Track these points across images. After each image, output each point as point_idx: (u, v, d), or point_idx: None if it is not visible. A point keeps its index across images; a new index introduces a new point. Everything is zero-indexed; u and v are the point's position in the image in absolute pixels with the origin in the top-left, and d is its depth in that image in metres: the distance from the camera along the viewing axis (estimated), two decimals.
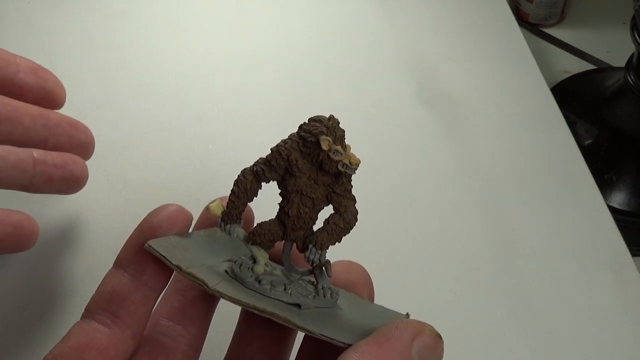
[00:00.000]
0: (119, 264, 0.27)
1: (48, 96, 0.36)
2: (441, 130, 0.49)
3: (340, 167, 0.25)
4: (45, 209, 0.42)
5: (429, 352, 0.23)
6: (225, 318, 0.30)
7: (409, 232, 0.44)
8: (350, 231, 0.26)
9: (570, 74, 0.67)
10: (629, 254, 0.44)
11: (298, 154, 0.25)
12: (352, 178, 0.26)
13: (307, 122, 0.26)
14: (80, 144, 0.37)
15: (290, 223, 0.26)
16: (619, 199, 0.59)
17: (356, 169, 0.25)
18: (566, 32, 0.72)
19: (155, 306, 0.27)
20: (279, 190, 0.27)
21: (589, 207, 0.46)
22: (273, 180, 0.26)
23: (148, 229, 0.27)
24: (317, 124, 0.25)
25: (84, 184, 0.37)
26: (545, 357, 0.39)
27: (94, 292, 0.26)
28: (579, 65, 0.69)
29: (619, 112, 0.60)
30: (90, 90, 0.49)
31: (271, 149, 0.26)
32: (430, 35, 0.56)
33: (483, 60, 0.54)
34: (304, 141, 0.25)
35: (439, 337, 0.24)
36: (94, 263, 0.40)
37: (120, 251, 0.27)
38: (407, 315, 0.27)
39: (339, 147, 0.25)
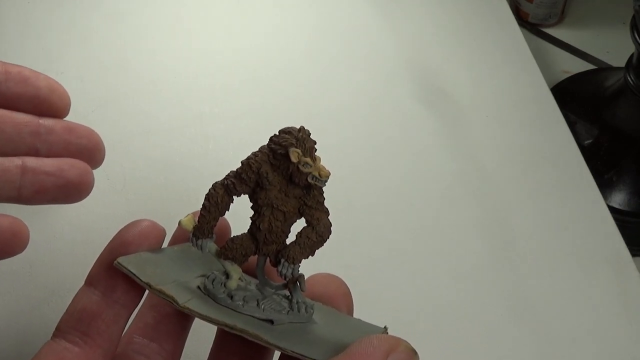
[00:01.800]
0: (89, 281, 0.26)
1: (42, 105, 0.33)
2: (441, 130, 0.49)
3: (310, 180, 0.25)
4: (43, 210, 0.42)
5: None
6: (202, 334, 0.29)
7: (408, 232, 0.44)
8: (324, 244, 0.26)
9: (570, 74, 0.67)
10: (629, 254, 0.44)
11: (268, 167, 0.25)
12: (323, 190, 0.26)
13: (277, 133, 0.25)
14: (81, 149, 0.34)
15: (262, 237, 0.26)
16: (619, 199, 0.59)
17: (326, 181, 0.25)
18: (566, 32, 0.72)
19: (129, 323, 0.27)
20: (251, 204, 0.26)
21: (589, 207, 0.46)
22: (244, 194, 0.26)
23: (119, 246, 0.26)
24: (286, 136, 0.25)
25: (88, 191, 0.34)
26: (545, 357, 0.39)
27: (65, 311, 0.26)
28: (579, 65, 0.68)
29: (619, 112, 0.60)
30: (90, 91, 0.49)
31: (241, 162, 0.26)
32: (430, 35, 0.56)
33: (483, 60, 0.54)
34: (274, 153, 0.25)
35: (414, 353, 0.23)
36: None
37: (92, 268, 0.27)
38: (385, 329, 0.26)
39: (308, 159, 0.25)
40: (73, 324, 0.25)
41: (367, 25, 0.56)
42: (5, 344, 0.38)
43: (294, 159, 0.25)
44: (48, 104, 0.33)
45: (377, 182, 0.46)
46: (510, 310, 0.41)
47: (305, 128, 0.25)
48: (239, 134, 0.48)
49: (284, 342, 0.24)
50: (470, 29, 0.56)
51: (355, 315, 0.29)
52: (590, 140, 0.61)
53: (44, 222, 0.42)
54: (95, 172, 0.42)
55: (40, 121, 0.33)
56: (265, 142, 0.26)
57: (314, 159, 0.25)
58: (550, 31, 0.72)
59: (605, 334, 0.40)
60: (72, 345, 0.25)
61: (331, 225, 0.26)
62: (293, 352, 0.24)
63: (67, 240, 0.42)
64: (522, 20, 0.71)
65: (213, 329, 0.28)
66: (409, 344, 0.23)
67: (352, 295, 0.29)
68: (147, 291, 0.27)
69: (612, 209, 0.51)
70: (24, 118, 0.33)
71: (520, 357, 0.39)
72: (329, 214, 0.26)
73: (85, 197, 0.34)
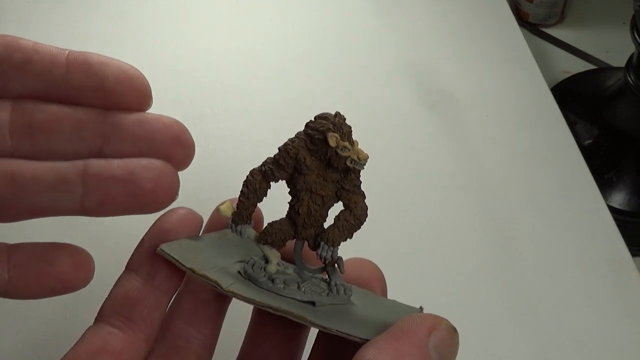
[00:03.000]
0: (130, 267, 0.27)
1: (109, 97, 0.27)
2: (441, 130, 0.49)
3: (348, 163, 0.25)
4: None
5: (445, 346, 0.23)
6: (237, 318, 0.30)
7: (408, 233, 0.44)
8: (361, 227, 0.26)
9: (570, 74, 0.67)
10: (628, 254, 0.44)
11: (306, 152, 0.26)
12: (360, 174, 0.26)
13: (313, 119, 0.26)
14: (156, 145, 0.27)
15: (301, 221, 0.26)
16: (619, 199, 0.59)
17: (365, 164, 0.26)
18: (566, 32, 0.72)
19: (167, 309, 0.27)
20: (289, 189, 0.27)
21: (589, 207, 0.46)
22: (282, 180, 0.26)
23: (159, 233, 0.27)
24: (323, 122, 0.25)
25: (169, 198, 0.27)
26: (545, 357, 0.39)
27: (107, 295, 0.26)
28: (579, 65, 0.69)
29: (619, 112, 0.60)
30: None
31: (279, 148, 0.26)
32: (430, 36, 0.56)
33: (483, 60, 0.54)
34: (311, 139, 0.25)
35: (455, 330, 0.24)
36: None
37: (132, 255, 0.27)
38: (421, 308, 0.27)
39: (346, 143, 0.25)
40: (116, 309, 0.26)
41: (368, 25, 0.56)
42: (5, 341, 0.38)
43: (332, 143, 0.25)
44: (117, 96, 0.28)
45: (376, 182, 0.46)
46: (510, 310, 0.41)
47: (341, 114, 0.26)
48: (239, 134, 0.48)
49: (328, 322, 0.24)
50: (470, 29, 0.56)
51: None
52: (590, 140, 0.61)
53: (45, 221, 0.42)
54: None
55: (107, 116, 0.28)
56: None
57: (352, 142, 0.26)
58: (550, 31, 0.72)
59: (605, 334, 0.40)
60: (116, 330, 0.25)
61: (367, 209, 0.26)
62: (338, 331, 0.24)
63: (67, 240, 0.42)
64: (522, 20, 0.71)
65: (247, 313, 0.29)
66: (449, 322, 0.24)
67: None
68: (184, 278, 0.27)
69: (612, 209, 0.51)
70: (85, 114, 0.27)
71: (520, 357, 0.39)
72: (365, 197, 0.27)
73: (166, 205, 0.27)
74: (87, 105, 0.28)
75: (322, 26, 0.56)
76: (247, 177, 0.26)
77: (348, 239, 0.26)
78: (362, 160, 0.26)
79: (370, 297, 0.28)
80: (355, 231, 0.26)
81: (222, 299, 0.28)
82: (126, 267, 0.27)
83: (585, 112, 0.62)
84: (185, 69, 0.52)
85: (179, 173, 0.27)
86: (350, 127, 0.26)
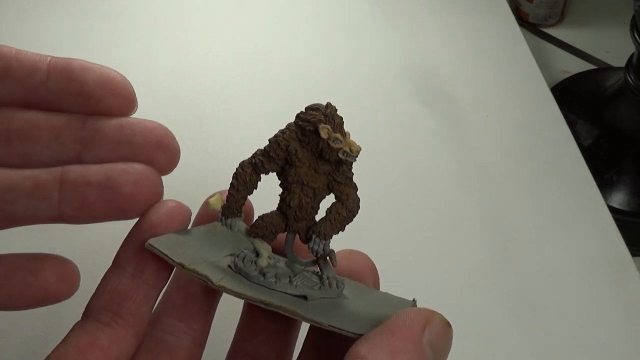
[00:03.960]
0: (118, 262, 0.26)
1: (88, 102, 0.27)
2: (441, 130, 0.49)
3: (340, 155, 0.25)
4: None
5: (440, 341, 0.23)
6: (228, 313, 0.30)
7: (408, 234, 0.44)
8: (353, 219, 0.26)
9: (570, 74, 0.67)
10: (629, 254, 0.44)
11: (297, 144, 0.25)
12: (352, 165, 0.26)
13: (304, 110, 0.25)
14: (136, 150, 0.27)
15: (292, 214, 0.26)
16: (619, 199, 0.59)
17: (357, 156, 0.25)
18: (566, 32, 0.72)
19: (156, 304, 0.27)
20: (279, 182, 0.26)
21: (589, 207, 0.46)
22: (272, 172, 0.26)
23: (147, 227, 0.26)
24: (314, 113, 0.25)
25: (150, 203, 0.26)
26: (545, 357, 0.39)
27: (94, 291, 0.26)
28: (579, 65, 0.69)
29: (619, 112, 0.60)
30: None
31: (269, 140, 0.26)
32: (430, 36, 0.56)
33: (483, 60, 0.54)
34: (303, 130, 0.25)
35: (449, 325, 0.24)
36: (92, 261, 0.40)
37: (119, 249, 0.27)
38: (414, 301, 0.27)
39: (338, 135, 0.25)
40: (104, 305, 0.25)
41: (368, 25, 0.56)
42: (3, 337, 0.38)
43: (324, 135, 0.25)
44: (97, 101, 0.27)
45: (376, 182, 0.46)
46: (510, 310, 0.41)
47: (332, 104, 0.25)
48: (239, 134, 0.48)
49: (320, 317, 0.24)
50: (470, 29, 0.56)
51: None
52: (590, 140, 0.61)
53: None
54: None
55: (87, 122, 0.27)
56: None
57: (344, 134, 0.25)
58: (550, 31, 0.72)
59: (605, 333, 0.40)
60: (104, 325, 0.25)
61: (359, 201, 0.26)
62: (330, 326, 0.24)
63: (66, 239, 0.42)
64: (522, 20, 0.71)
65: (238, 307, 0.29)
66: (443, 316, 0.24)
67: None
68: (173, 272, 0.27)
69: (612, 209, 0.51)
70: (64, 120, 0.27)
71: (520, 357, 0.39)
72: (357, 189, 0.26)
73: (146, 209, 0.26)
74: (68, 112, 0.27)
75: (322, 26, 0.56)
76: (237, 169, 0.26)
77: (340, 232, 0.26)
78: (354, 153, 0.25)
79: (362, 290, 0.27)
80: (348, 224, 0.26)
81: (212, 294, 0.28)
82: (113, 263, 0.26)
83: (585, 112, 0.62)
84: (185, 69, 0.52)
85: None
86: (342, 118, 0.25)
